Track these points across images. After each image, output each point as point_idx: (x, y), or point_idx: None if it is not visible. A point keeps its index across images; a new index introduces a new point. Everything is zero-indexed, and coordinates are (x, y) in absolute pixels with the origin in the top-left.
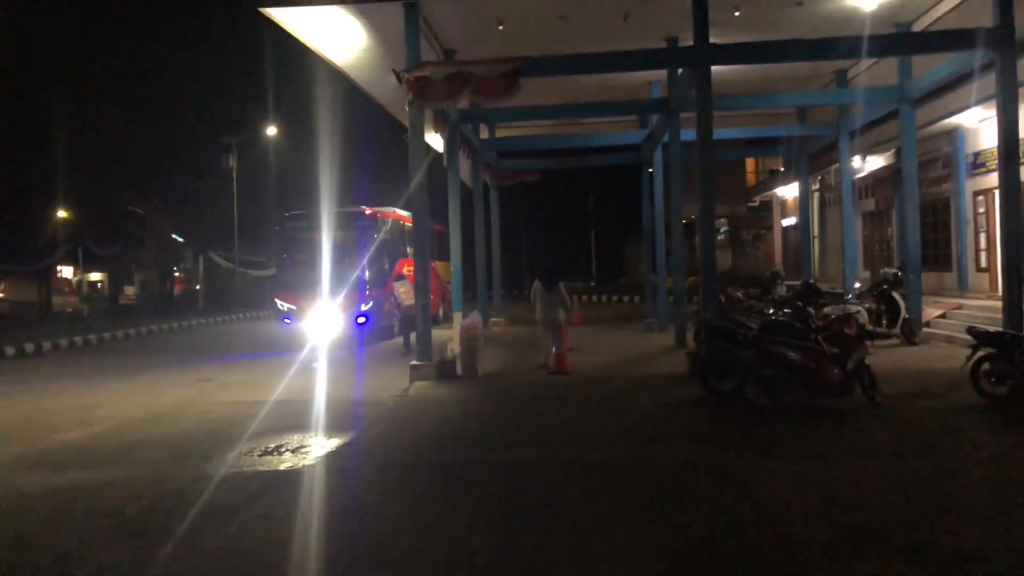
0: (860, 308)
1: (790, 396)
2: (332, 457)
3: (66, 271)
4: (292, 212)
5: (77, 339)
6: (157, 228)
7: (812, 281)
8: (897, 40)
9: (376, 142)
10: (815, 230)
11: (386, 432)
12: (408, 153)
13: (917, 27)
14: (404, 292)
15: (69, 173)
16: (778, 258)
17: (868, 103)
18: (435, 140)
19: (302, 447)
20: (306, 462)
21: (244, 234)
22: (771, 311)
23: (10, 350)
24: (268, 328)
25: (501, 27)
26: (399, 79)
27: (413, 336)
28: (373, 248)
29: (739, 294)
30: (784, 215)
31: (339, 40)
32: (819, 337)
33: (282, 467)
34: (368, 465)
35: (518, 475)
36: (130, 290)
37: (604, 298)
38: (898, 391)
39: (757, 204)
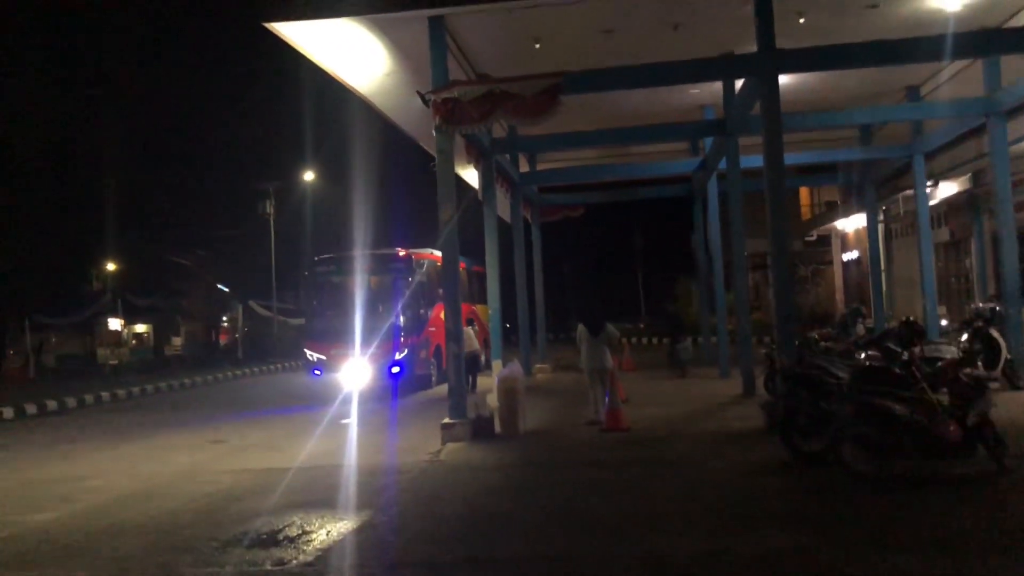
0: (953, 348)
1: (898, 459)
2: (335, 550)
3: (115, 323)
4: (321, 256)
5: (104, 394)
6: (201, 278)
7: (912, 319)
8: (991, 37)
9: (417, 181)
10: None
11: (407, 511)
12: (436, 183)
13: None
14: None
15: (112, 226)
16: (839, 295)
17: (950, 118)
18: (471, 175)
19: (303, 534)
20: (301, 557)
21: (283, 281)
22: (862, 354)
23: (31, 408)
24: (302, 379)
25: (538, 44)
26: (425, 101)
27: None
28: (407, 292)
29: (814, 335)
30: (845, 249)
31: (359, 63)
32: (926, 386)
33: (268, 566)
34: (378, 562)
35: None
36: (176, 341)
37: (655, 340)
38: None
39: (814, 238)
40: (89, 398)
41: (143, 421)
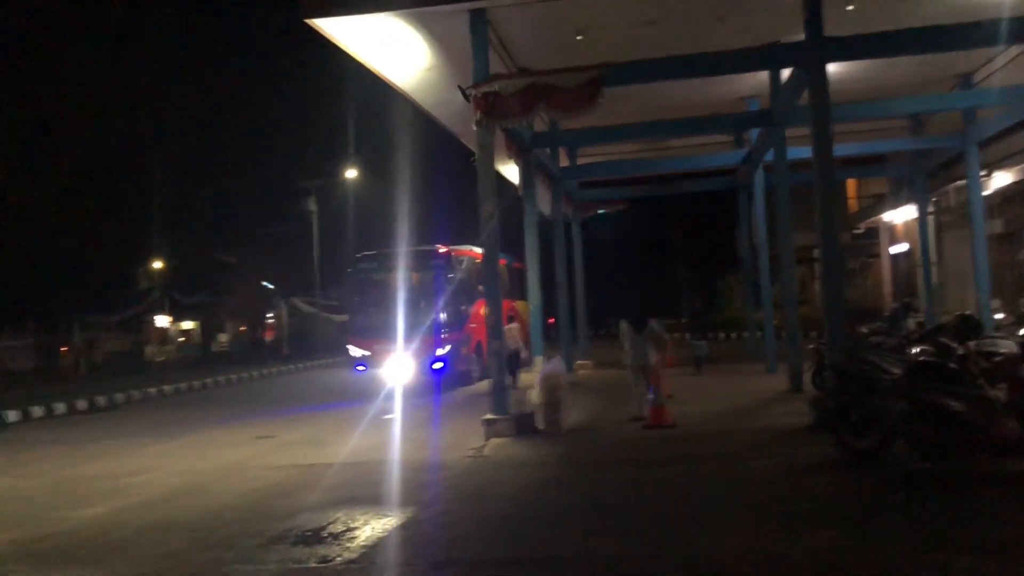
0: (1010, 343)
1: (952, 458)
2: (378, 548)
3: (163, 321)
4: (363, 253)
5: (152, 390)
6: (247, 275)
7: (969, 313)
8: None
9: (458, 178)
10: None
11: (450, 508)
12: (478, 179)
13: None
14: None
15: (160, 225)
16: (887, 288)
17: (1004, 106)
18: (511, 171)
19: (347, 530)
20: (346, 555)
21: (326, 278)
22: (914, 349)
23: (82, 404)
24: (345, 375)
25: (580, 36)
26: (465, 96)
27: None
28: (448, 289)
29: (864, 329)
30: (893, 242)
31: (400, 58)
32: (983, 381)
33: (312, 563)
34: (422, 560)
35: None
36: (223, 337)
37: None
38: None
39: (862, 231)
40: (137, 394)
41: (190, 417)
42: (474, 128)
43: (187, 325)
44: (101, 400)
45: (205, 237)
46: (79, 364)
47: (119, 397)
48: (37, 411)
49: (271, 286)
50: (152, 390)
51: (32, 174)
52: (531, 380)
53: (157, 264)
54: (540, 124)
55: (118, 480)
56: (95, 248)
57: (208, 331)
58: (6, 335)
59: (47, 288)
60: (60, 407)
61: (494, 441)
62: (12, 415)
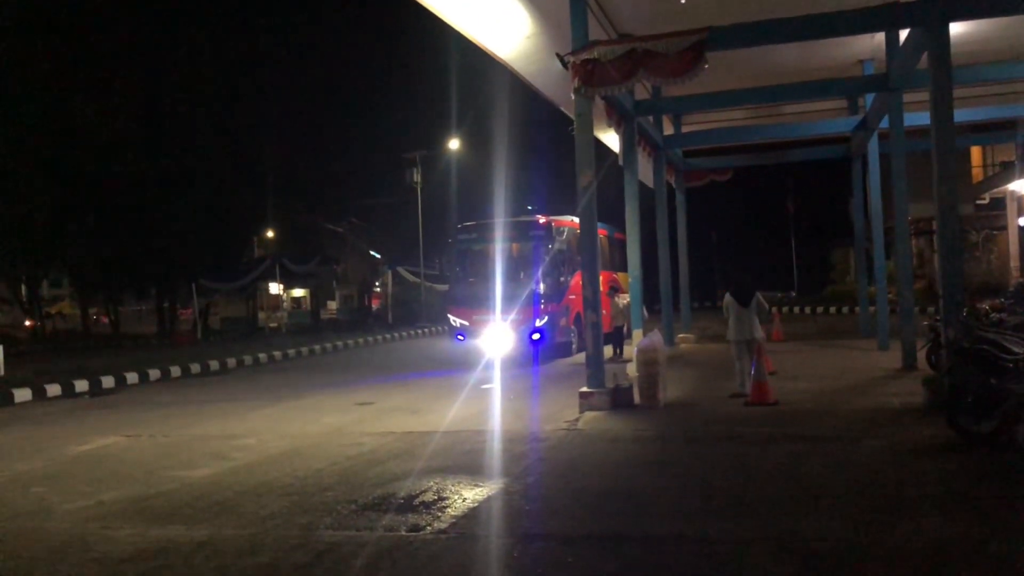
0: None
1: None
2: (469, 518)
3: (275, 288)
4: (464, 224)
5: (262, 356)
6: (355, 245)
7: None
8: None
9: (561, 148)
10: None
11: (543, 481)
12: (575, 149)
13: None
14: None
15: (272, 195)
16: (1014, 263)
17: None
18: (611, 140)
19: (439, 500)
20: (436, 524)
21: (430, 248)
22: None
23: (196, 368)
24: (446, 344)
25: (684, 0)
26: (564, 64)
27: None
28: (548, 260)
29: (985, 306)
30: (1022, 213)
31: (501, 28)
32: None
33: (403, 531)
34: (511, 532)
35: (709, 562)
36: (332, 305)
37: (807, 310)
38: None
39: (987, 202)
40: (248, 359)
41: (296, 382)
42: (572, 96)
43: (298, 293)
44: (214, 364)
45: (315, 208)
46: (196, 329)
47: (231, 362)
48: (154, 373)
49: (378, 255)
50: (263, 356)
51: (160, 148)
52: (630, 353)
53: (270, 233)
54: (643, 91)
55: (224, 442)
56: (212, 217)
57: (318, 299)
58: (131, 300)
59: (169, 255)
60: (175, 370)
61: (589, 414)
62: (130, 377)
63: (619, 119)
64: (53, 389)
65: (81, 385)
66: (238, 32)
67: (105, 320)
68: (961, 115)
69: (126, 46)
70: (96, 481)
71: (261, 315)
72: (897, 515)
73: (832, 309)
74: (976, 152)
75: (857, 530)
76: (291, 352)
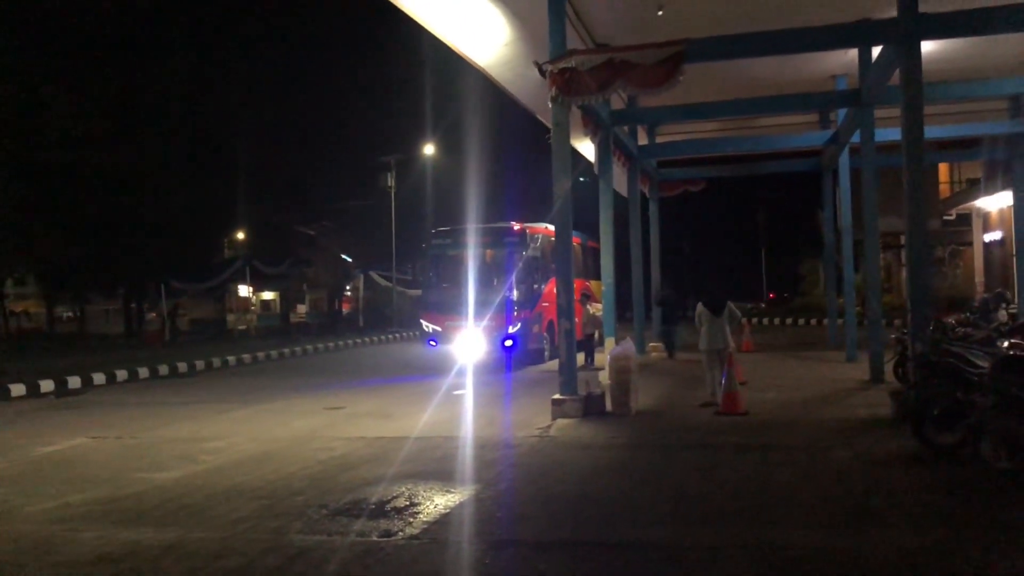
0: None
1: None
2: (440, 524)
3: (244, 290)
4: (438, 229)
5: (231, 358)
6: (326, 248)
7: None
8: None
9: (536, 156)
10: None
11: (514, 487)
12: (552, 157)
13: None
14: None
15: (243, 196)
16: (979, 278)
17: None
18: (587, 149)
19: (411, 505)
20: (408, 530)
21: (402, 253)
22: (1004, 343)
23: (164, 369)
24: (418, 349)
25: (661, 12)
26: (542, 72)
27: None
28: (521, 266)
29: (951, 320)
30: (987, 229)
31: (479, 34)
32: None
33: (375, 536)
34: (483, 538)
35: (680, 569)
36: (301, 308)
37: (777, 321)
38: None
39: (953, 217)
40: (217, 361)
41: (266, 385)
42: (550, 105)
43: (268, 295)
44: (182, 366)
45: (287, 210)
46: (164, 330)
47: (200, 364)
48: (121, 374)
49: (349, 259)
50: (232, 358)
51: (126, 144)
52: (603, 361)
53: (241, 235)
54: (618, 101)
55: (194, 445)
56: (181, 217)
57: (287, 302)
58: (98, 300)
59: (138, 254)
60: (143, 371)
61: (561, 421)
62: (97, 377)
63: (595, 128)
64: (17, 389)
65: (47, 385)
66: (213, 31)
67: (68, 319)
68: (929, 132)
69: (98, 38)
70: (62, 483)
71: (230, 317)
72: (866, 524)
73: (801, 320)
74: (943, 169)
75: (827, 538)
76: (260, 355)
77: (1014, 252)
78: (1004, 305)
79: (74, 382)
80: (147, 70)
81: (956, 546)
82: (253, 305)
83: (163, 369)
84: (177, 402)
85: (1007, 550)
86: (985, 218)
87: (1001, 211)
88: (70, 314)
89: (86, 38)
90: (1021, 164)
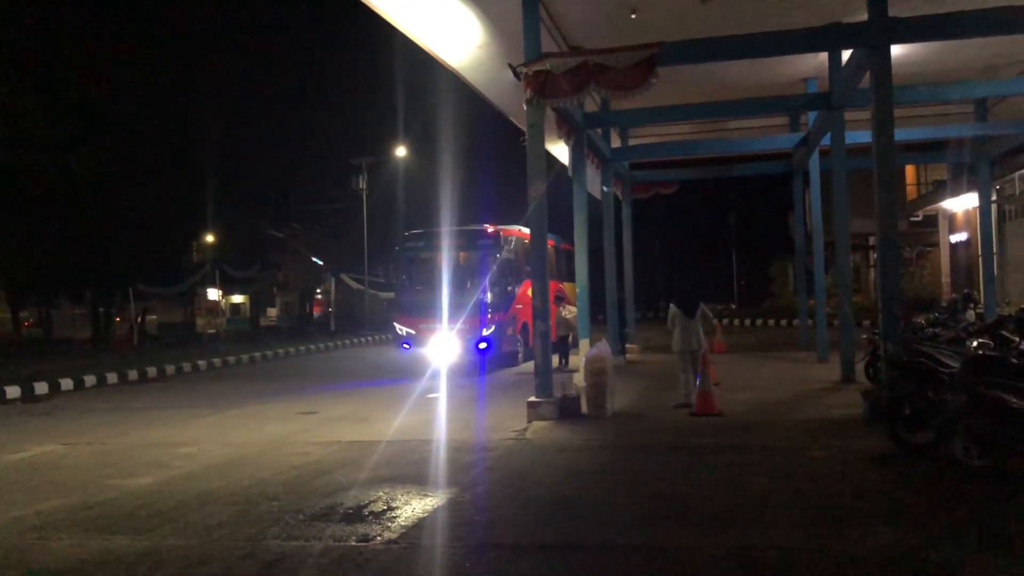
0: None
1: (1012, 454)
2: (418, 529)
3: (214, 294)
4: (411, 231)
5: (202, 363)
6: (296, 251)
7: None
8: None
9: (510, 158)
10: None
11: (492, 491)
12: (527, 159)
13: None
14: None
15: (212, 199)
16: (945, 278)
17: None
18: (561, 151)
19: (388, 510)
20: (386, 534)
21: (375, 255)
22: (973, 342)
23: (134, 375)
24: (391, 353)
25: (634, 15)
26: (516, 74)
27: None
28: (495, 269)
29: (920, 320)
30: (953, 231)
31: (453, 36)
32: None
33: (353, 541)
34: (462, 542)
35: (658, 570)
36: (272, 312)
37: (748, 322)
38: None
39: (920, 219)
40: (187, 366)
41: (238, 390)
42: (524, 107)
43: (237, 299)
44: (152, 371)
45: (258, 213)
46: (132, 334)
47: (170, 369)
48: (90, 380)
49: (320, 262)
50: (202, 363)
51: (92, 146)
52: (578, 363)
53: (210, 238)
54: (592, 104)
55: (166, 451)
56: (152, 220)
57: (258, 305)
58: (65, 304)
59: (106, 258)
60: (112, 377)
61: (537, 424)
62: (65, 383)
63: (569, 131)
64: None
65: (12, 391)
66: (182, 32)
67: (27, 325)
68: (897, 134)
69: (62, 37)
70: (32, 490)
71: (199, 321)
72: (842, 523)
73: (771, 322)
74: (910, 171)
75: (803, 538)
76: (231, 359)
77: (979, 253)
78: (972, 305)
79: (41, 388)
80: (114, 71)
81: (930, 544)
82: (223, 309)
83: (132, 374)
84: (148, 407)
85: (975, 548)
86: (951, 219)
87: (967, 212)
88: (30, 320)
89: (51, 38)
90: (985, 167)
